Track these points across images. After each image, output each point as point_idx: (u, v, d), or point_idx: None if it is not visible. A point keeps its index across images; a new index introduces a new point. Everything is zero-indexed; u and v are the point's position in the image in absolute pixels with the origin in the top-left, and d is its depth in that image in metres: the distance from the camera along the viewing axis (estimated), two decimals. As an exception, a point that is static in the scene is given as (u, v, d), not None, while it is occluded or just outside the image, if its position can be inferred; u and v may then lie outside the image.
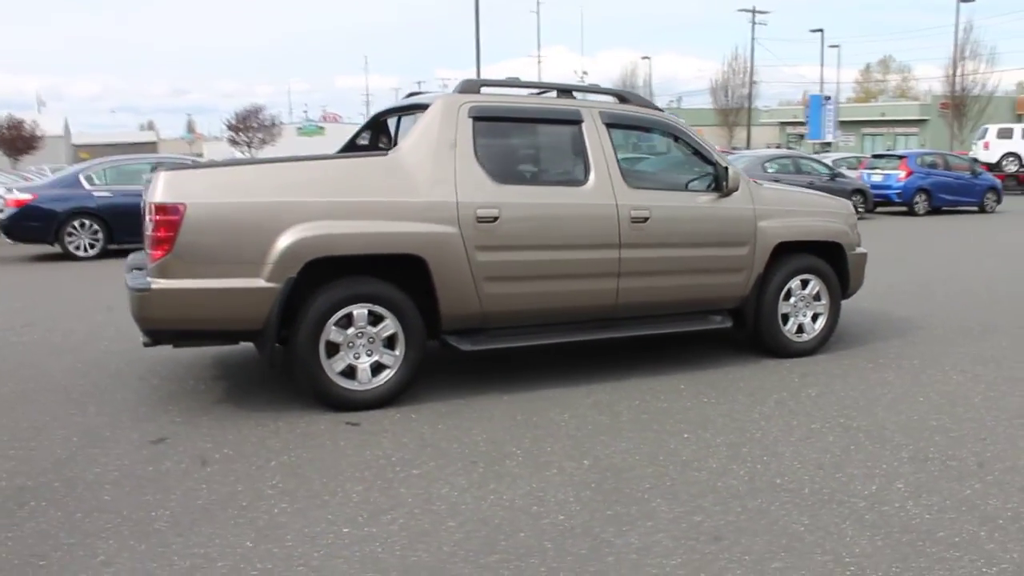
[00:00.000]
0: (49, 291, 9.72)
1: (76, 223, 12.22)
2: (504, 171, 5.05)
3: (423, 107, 5.20)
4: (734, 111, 53.10)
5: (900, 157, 20.33)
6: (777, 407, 4.87)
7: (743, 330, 5.92)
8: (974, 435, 4.37)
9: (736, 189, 5.61)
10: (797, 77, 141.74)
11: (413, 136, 4.91)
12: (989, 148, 28.02)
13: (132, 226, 11.97)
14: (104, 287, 9.27)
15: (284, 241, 4.46)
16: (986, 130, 28.96)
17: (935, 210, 19.64)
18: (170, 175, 4.46)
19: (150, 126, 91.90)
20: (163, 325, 4.50)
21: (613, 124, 5.39)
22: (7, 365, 5.89)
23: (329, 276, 4.62)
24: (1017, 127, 28.48)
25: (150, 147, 63.11)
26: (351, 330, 4.67)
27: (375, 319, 4.72)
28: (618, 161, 5.32)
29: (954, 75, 38.58)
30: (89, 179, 12.55)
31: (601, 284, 5.28)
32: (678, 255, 5.48)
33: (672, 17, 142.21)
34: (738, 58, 53.48)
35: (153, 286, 4.35)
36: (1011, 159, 27.01)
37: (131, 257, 5.58)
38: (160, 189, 4.37)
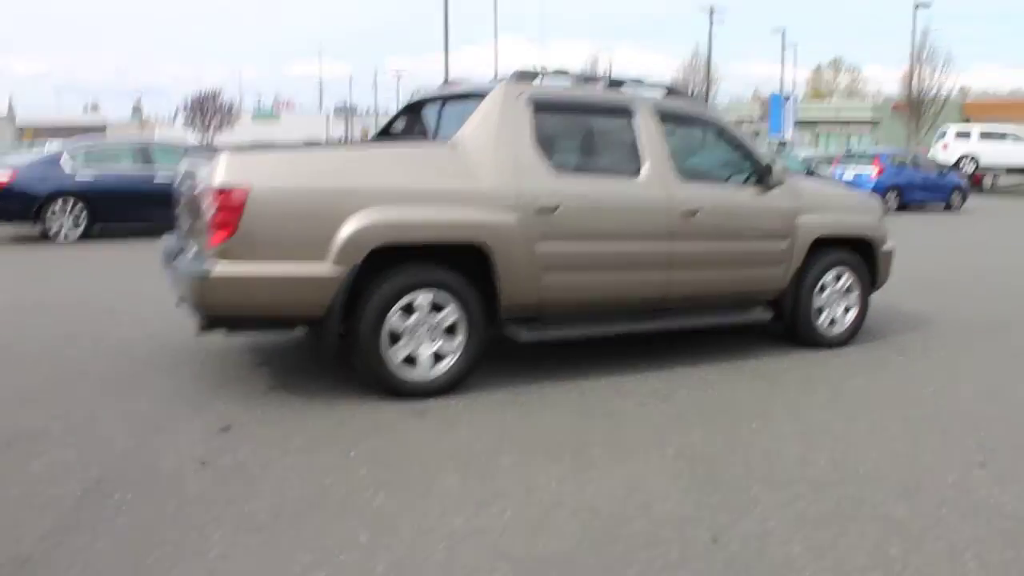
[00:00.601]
0: (41, 275, 9.38)
1: (58, 205, 11.77)
2: (562, 161, 5.02)
3: (475, 95, 5.15)
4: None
5: (873, 156, 20.83)
6: (832, 397, 4.94)
7: (779, 322, 5.98)
8: (1032, 424, 4.49)
9: (781, 183, 5.67)
10: (750, 75, 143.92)
11: (473, 124, 4.84)
12: (948, 149, 28.76)
13: (117, 208, 11.90)
14: (96, 270, 9.00)
15: (350, 227, 4.37)
16: (945, 131, 29.73)
17: (903, 207, 20.14)
18: (232, 157, 4.32)
19: (94, 107, 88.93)
20: (223, 311, 4.37)
21: (664, 117, 5.40)
22: (29, 353, 5.66)
23: (390, 263, 4.53)
24: (975, 129, 29.29)
25: (98, 130, 61.43)
26: (413, 318, 4.60)
27: (436, 307, 4.65)
28: (670, 154, 5.33)
29: (911, 78, 39.57)
30: (73, 159, 12.10)
31: (652, 276, 5.29)
32: (724, 248, 5.52)
33: (632, 10, 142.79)
34: (698, 55, 53.96)
35: (214, 270, 4.22)
36: (968, 160, 27.78)
37: (166, 241, 5.40)
38: (222, 171, 4.24)
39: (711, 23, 52.45)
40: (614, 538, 3.10)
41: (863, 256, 6.18)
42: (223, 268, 4.23)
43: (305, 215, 4.35)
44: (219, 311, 4.37)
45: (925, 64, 39.30)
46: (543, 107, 4.98)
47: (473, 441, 4.07)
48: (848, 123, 61.60)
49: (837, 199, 6.21)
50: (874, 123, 59.70)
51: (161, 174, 12.09)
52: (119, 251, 11.28)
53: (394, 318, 4.55)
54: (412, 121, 6.16)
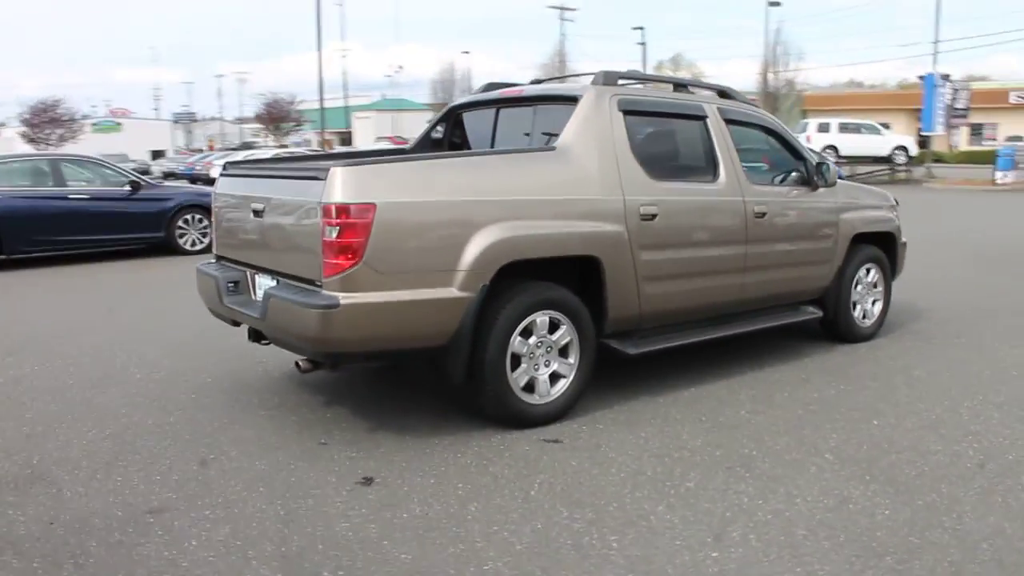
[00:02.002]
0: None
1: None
2: (655, 167, 4.94)
3: (557, 98, 5.03)
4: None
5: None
6: (910, 389, 5.13)
7: (823, 319, 6.15)
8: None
9: (835, 184, 5.84)
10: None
11: (574, 129, 4.67)
12: (810, 141, 30.74)
13: (30, 233, 10.49)
14: (27, 301, 8.06)
15: (477, 244, 4.11)
16: (807, 124, 31.79)
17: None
18: (349, 171, 3.93)
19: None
20: (348, 347, 4.01)
21: (729, 120, 5.43)
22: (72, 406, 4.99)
23: (506, 283, 4.30)
24: (834, 121, 31.50)
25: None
26: (532, 340, 4.39)
27: (552, 327, 4.47)
28: (739, 157, 5.37)
29: (765, 74, 42.06)
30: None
31: (732, 280, 5.32)
32: (786, 249, 5.63)
33: (487, 13, 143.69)
34: (556, 55, 55.09)
35: (343, 301, 3.86)
36: (829, 151, 29.80)
37: (219, 272, 4.87)
38: (341, 187, 3.86)
39: (562, 19, 53.78)
40: (880, 552, 3.08)
41: (885, 250, 6.47)
42: (352, 298, 3.87)
43: (433, 232, 4.06)
44: (344, 347, 4.00)
45: (779, 60, 41.87)
46: (631, 111, 4.90)
47: (628, 464, 3.94)
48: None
49: (865, 195, 6.47)
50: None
51: (75, 192, 11.04)
52: (37, 280, 10.16)
53: (516, 341, 4.33)
54: (452, 127, 5.91)
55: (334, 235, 3.85)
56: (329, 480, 3.78)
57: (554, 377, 4.52)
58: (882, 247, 6.45)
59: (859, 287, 6.27)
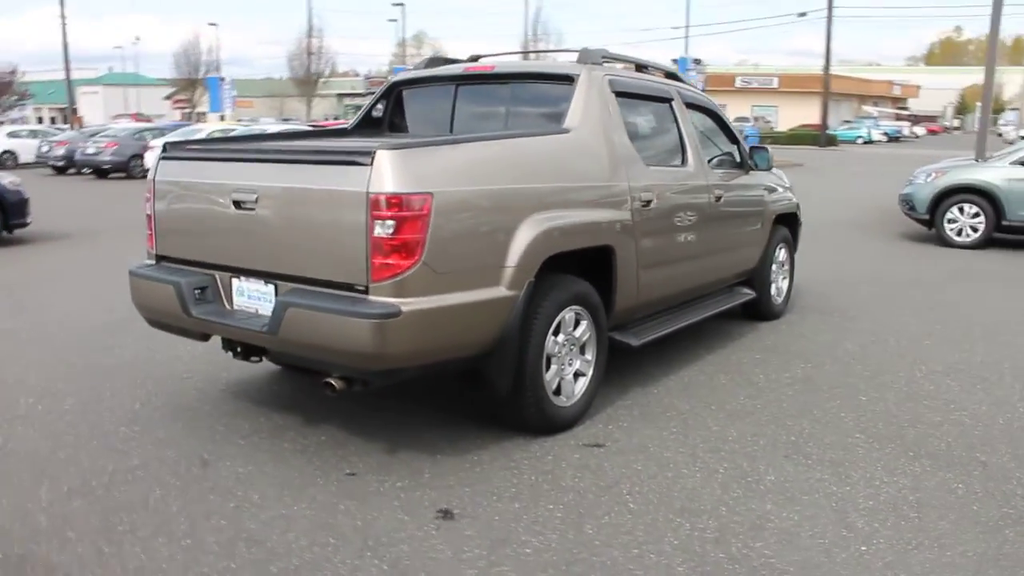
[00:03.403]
0: None
1: None
2: (643, 151, 4.76)
3: (533, 76, 4.73)
4: (313, 81, 52.65)
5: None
6: (862, 365, 5.44)
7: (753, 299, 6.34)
8: None
9: (770, 169, 6.02)
10: (360, 54, 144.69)
11: (578, 111, 4.36)
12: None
13: None
14: None
15: (523, 237, 3.71)
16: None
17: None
18: (400, 156, 3.34)
19: None
20: (405, 361, 3.43)
21: (688, 104, 5.39)
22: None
23: (539, 278, 3.92)
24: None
25: None
26: (560, 337, 4.07)
27: (575, 323, 4.17)
28: (699, 142, 5.36)
29: (527, 54, 43.07)
30: None
31: (699, 264, 5.32)
32: (735, 232, 5.75)
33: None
34: (312, 28, 53.01)
35: (405, 309, 3.29)
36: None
37: (178, 277, 3.96)
38: (392, 174, 3.28)
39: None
40: (999, 519, 3.19)
41: (790, 229, 6.83)
42: (413, 305, 3.31)
43: (485, 226, 3.61)
44: (400, 361, 3.41)
45: (540, 40, 43.10)
46: (620, 92, 4.68)
47: (699, 462, 3.79)
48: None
49: (776, 178, 6.77)
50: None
51: None
52: None
53: (550, 341, 3.98)
54: (394, 105, 5.32)
55: (389, 231, 3.26)
56: (401, 519, 3.22)
57: (574, 376, 4.23)
58: (788, 227, 6.79)
59: (773, 266, 6.56)
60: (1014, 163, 10.09)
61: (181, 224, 4.07)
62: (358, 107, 49.30)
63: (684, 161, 5.18)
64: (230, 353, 4.04)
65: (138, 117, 41.25)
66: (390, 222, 3.25)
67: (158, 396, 4.64)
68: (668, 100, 5.19)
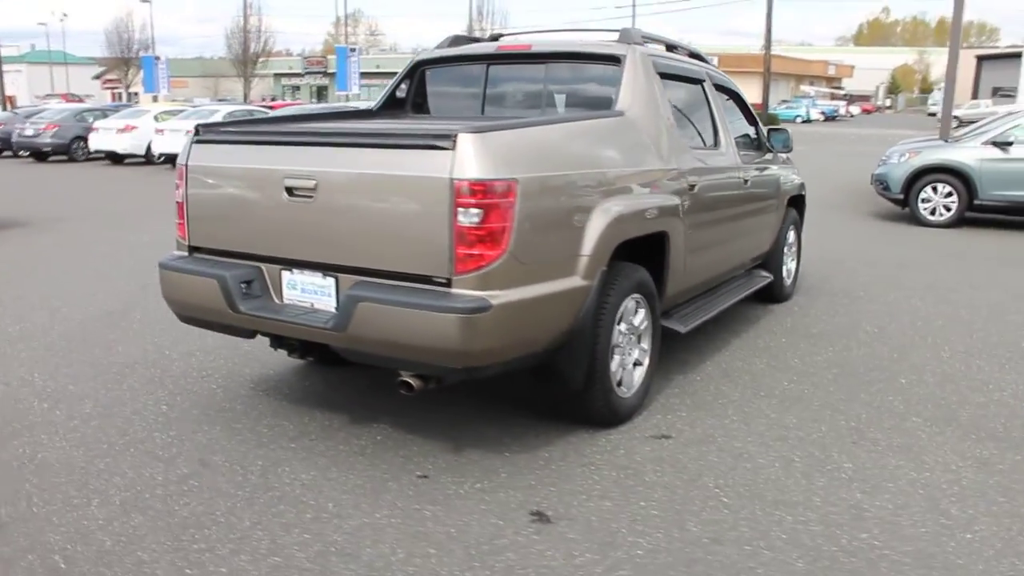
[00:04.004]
0: None
1: None
2: (686, 134, 4.66)
3: (574, 55, 4.56)
4: (252, 61, 51.13)
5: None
6: (887, 347, 5.47)
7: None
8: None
9: (791, 150, 5.97)
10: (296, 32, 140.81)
11: (629, 94, 4.21)
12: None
13: None
14: None
15: (596, 224, 3.57)
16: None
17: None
18: (483, 138, 3.13)
19: None
20: (493, 357, 3.25)
21: (716, 85, 5.30)
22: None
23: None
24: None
25: None
26: (623, 327, 3.94)
27: (635, 311, 4.05)
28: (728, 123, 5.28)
29: (470, 31, 42.58)
30: None
31: (731, 247, 5.27)
32: (759, 215, 5.70)
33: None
34: (250, 6, 51.42)
35: (495, 302, 3.11)
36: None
37: (221, 270, 3.69)
38: (477, 159, 3.08)
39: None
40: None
41: (798, 211, 6.82)
42: (501, 297, 3.14)
43: (564, 212, 3.45)
44: (488, 358, 3.23)
45: (484, 19, 42.61)
46: (661, 75, 4.54)
47: (772, 452, 3.72)
48: (389, 75, 64.24)
49: (784, 160, 6.73)
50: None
51: None
52: None
53: (615, 332, 3.85)
54: (423, 84, 5.08)
55: (475, 220, 3.07)
56: (495, 524, 3.06)
57: (633, 366, 4.11)
58: (796, 208, 6.78)
59: (784, 248, 6.54)
60: (986, 143, 10.32)
61: (220, 213, 3.79)
62: (296, 87, 47.90)
63: (717, 143, 5.09)
64: (282, 351, 3.81)
65: (69, 98, 39.40)
66: (475, 210, 3.07)
67: (183, 397, 4.37)
68: (700, 81, 5.08)
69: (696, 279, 4.79)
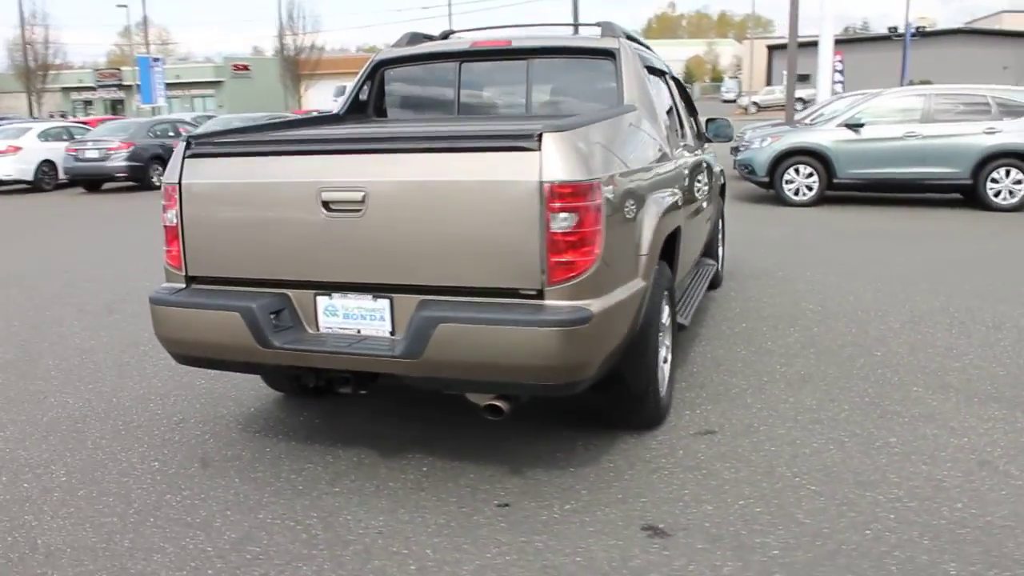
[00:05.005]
0: None
1: None
2: (671, 128, 4.62)
3: (561, 50, 4.42)
4: (40, 75, 46.38)
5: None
6: (855, 324, 5.76)
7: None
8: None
9: (732, 139, 6.12)
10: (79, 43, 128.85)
11: (632, 89, 4.12)
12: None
13: None
14: None
15: (650, 222, 3.48)
16: (344, 87, 32.16)
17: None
18: (567, 137, 2.92)
19: None
20: (591, 371, 3.05)
21: (671, 77, 5.33)
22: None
23: None
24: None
25: None
26: (662, 324, 3.86)
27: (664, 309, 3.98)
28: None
29: (280, 36, 40.97)
30: None
31: (701, 236, 5.33)
32: (710, 204, 5.81)
33: None
34: (36, 15, 46.61)
35: (596, 310, 2.93)
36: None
37: (246, 301, 3.23)
38: (563, 159, 2.87)
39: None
40: None
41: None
42: (599, 306, 2.96)
43: (631, 213, 3.30)
44: (586, 372, 3.02)
45: (296, 24, 41.00)
46: (646, 67, 4.49)
47: (823, 438, 3.78)
48: (192, 85, 60.77)
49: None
50: (218, 84, 60.31)
51: None
52: None
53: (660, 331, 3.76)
54: (377, 86, 4.73)
55: (567, 225, 2.87)
56: (615, 544, 2.88)
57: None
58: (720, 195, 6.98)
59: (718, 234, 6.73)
60: (840, 125, 11.18)
61: (230, 236, 3.31)
62: (88, 102, 44.15)
63: (683, 135, 5.12)
64: (308, 388, 3.40)
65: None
66: (567, 214, 2.86)
67: (169, 449, 3.81)
68: (665, 74, 5.09)
69: (684, 271, 4.80)
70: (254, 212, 3.25)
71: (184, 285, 3.43)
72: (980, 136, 10.55)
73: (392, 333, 3.14)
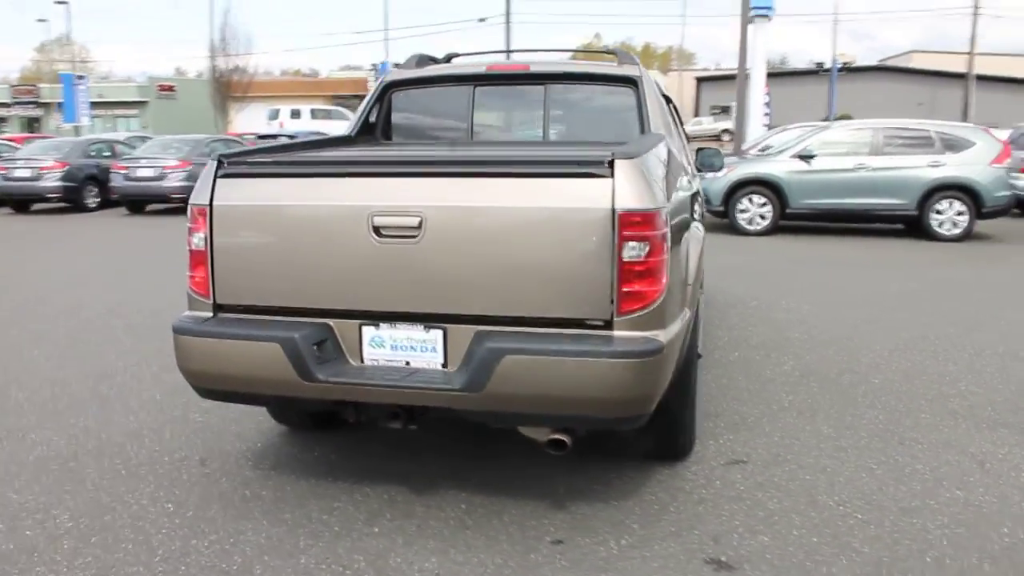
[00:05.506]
0: None
1: None
2: (685, 156, 4.64)
3: (581, 76, 4.40)
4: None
5: (291, 136, 21.18)
6: (846, 343, 5.86)
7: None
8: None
9: (722, 168, 6.18)
10: None
11: (656, 118, 4.11)
12: (284, 127, 30.83)
13: None
14: None
15: (694, 249, 3.47)
16: (278, 111, 31.71)
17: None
18: (637, 165, 2.86)
19: None
20: (654, 402, 2.98)
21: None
22: None
23: None
24: (306, 108, 32.02)
25: None
26: (690, 354, 3.84)
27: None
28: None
29: (212, 57, 40.02)
30: None
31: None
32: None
33: None
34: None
35: (664, 342, 2.87)
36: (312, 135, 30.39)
37: (290, 332, 3.05)
38: (634, 187, 2.81)
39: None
40: None
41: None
42: (667, 337, 2.91)
43: (679, 241, 3.26)
44: (650, 405, 2.95)
45: (228, 45, 40.08)
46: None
47: (847, 465, 3.80)
48: (115, 104, 58.95)
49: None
50: (142, 104, 58.66)
51: None
52: None
53: (693, 360, 3.74)
54: (385, 109, 4.61)
55: (639, 254, 2.81)
56: (681, 580, 2.81)
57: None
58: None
59: (699, 263, 6.78)
60: (793, 156, 11.50)
61: (266, 261, 3.12)
62: (2, 119, 42.17)
63: (689, 162, 5.15)
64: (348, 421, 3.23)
65: None
66: (639, 243, 2.81)
67: (180, 490, 3.57)
68: (671, 102, 5.12)
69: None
70: (294, 237, 3.08)
71: (211, 314, 3.23)
72: (925, 169, 11.01)
73: (444, 365, 3.01)
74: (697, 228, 4.60)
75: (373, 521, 3.26)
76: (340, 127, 31.14)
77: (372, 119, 4.59)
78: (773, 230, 11.63)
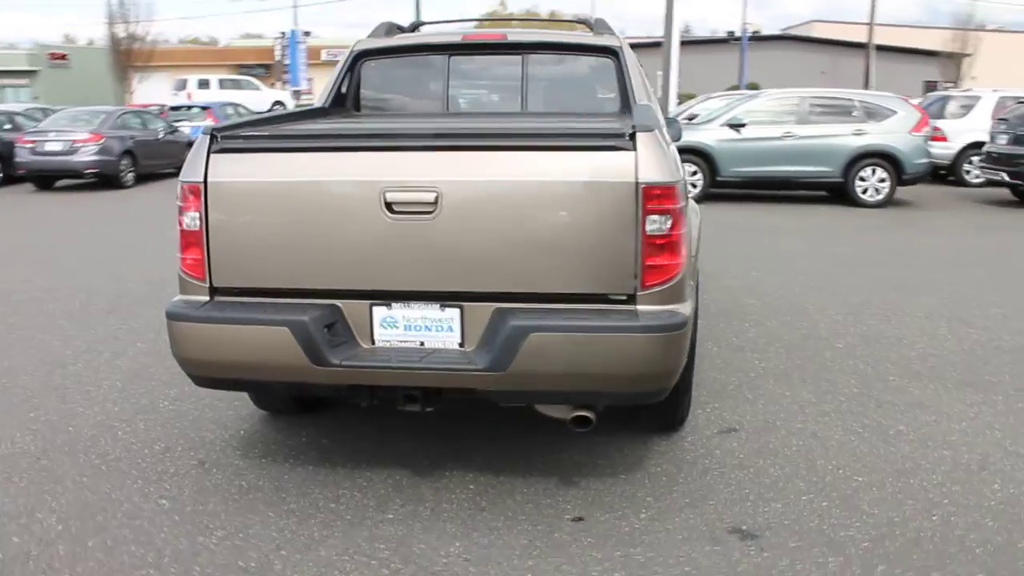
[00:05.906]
0: None
1: None
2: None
3: (559, 46, 4.32)
4: None
5: (204, 107, 20.25)
6: (804, 308, 6.02)
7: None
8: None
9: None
10: None
11: (640, 88, 4.09)
12: (192, 97, 29.54)
13: None
14: None
15: (693, 222, 3.47)
16: (186, 80, 30.34)
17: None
18: (655, 137, 2.83)
19: None
20: (675, 378, 3.00)
21: None
22: None
23: None
24: (214, 78, 30.71)
25: None
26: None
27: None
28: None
29: (111, 24, 37.69)
30: None
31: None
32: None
33: None
34: None
35: (687, 315, 2.89)
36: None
37: (296, 315, 2.91)
38: (656, 160, 2.79)
39: None
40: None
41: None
42: (688, 311, 2.91)
43: (687, 212, 3.23)
44: (673, 379, 2.96)
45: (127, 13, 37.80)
46: None
47: (839, 431, 3.92)
48: (1, 74, 55.38)
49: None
50: (32, 73, 55.31)
51: None
52: None
53: (687, 333, 3.77)
54: (376, 79, 4.45)
55: (663, 227, 2.80)
56: (713, 551, 2.85)
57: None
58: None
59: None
60: (723, 125, 11.71)
61: (268, 241, 2.96)
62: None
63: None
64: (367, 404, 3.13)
65: None
66: (662, 216, 2.79)
67: (170, 484, 3.40)
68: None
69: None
70: (299, 215, 2.94)
71: (207, 298, 3.05)
72: (850, 137, 11.40)
73: (461, 344, 2.94)
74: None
75: (384, 507, 3.18)
76: (251, 97, 30.11)
77: (344, 90, 4.41)
78: (704, 198, 11.83)
